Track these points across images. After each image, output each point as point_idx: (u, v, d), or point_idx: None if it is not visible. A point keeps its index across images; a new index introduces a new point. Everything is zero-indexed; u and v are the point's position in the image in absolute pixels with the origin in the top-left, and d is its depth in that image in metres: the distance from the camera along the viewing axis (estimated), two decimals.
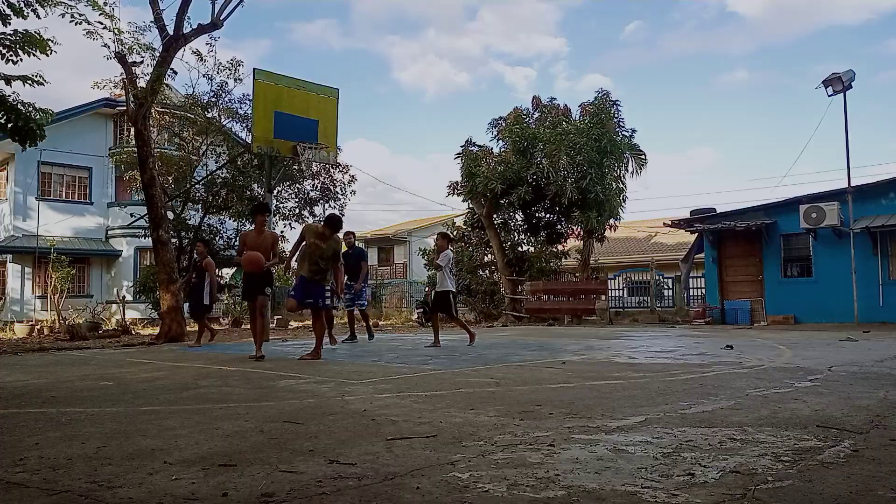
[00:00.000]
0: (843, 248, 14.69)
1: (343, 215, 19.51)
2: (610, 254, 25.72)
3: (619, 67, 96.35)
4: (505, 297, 19.30)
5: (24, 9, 6.61)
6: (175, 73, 14.42)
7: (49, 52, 6.71)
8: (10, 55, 6.36)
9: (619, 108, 19.11)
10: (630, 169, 19.29)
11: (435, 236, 10.03)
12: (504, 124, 19.53)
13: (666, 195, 62.91)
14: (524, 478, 2.30)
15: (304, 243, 7.45)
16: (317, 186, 19.66)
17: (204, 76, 16.08)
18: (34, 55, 6.58)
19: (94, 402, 4.33)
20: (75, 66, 60.14)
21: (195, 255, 10.91)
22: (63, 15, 9.03)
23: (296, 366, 6.68)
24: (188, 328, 12.23)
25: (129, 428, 3.39)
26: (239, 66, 16.39)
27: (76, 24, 9.52)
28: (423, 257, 22.24)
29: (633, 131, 19.38)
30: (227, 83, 16.75)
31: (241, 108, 17.30)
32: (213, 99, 17.02)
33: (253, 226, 8.18)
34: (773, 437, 2.91)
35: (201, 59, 14.40)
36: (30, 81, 6.46)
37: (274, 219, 17.94)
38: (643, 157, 19.30)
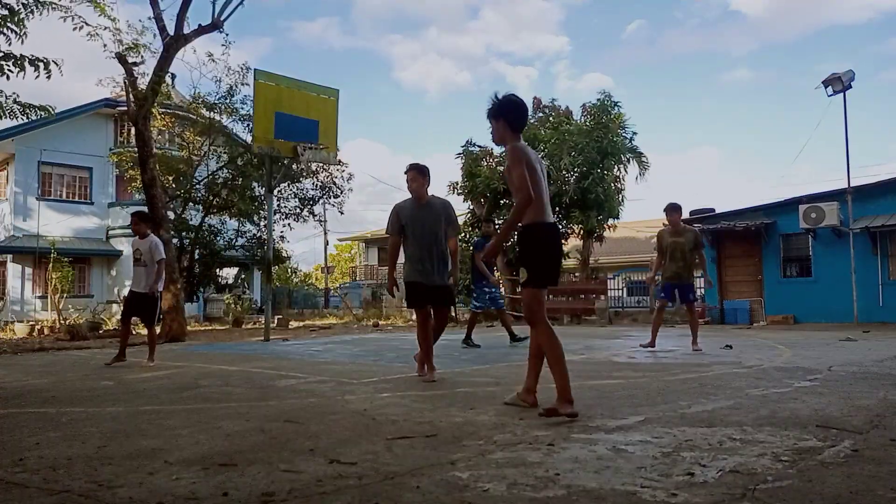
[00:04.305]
0: (843, 248, 14.68)
1: (342, 213, 19.59)
2: (610, 254, 25.71)
3: (621, 66, 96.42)
4: (505, 298, 19.30)
5: (21, 11, 6.61)
6: (174, 76, 14.49)
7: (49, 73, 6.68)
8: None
9: (621, 108, 19.13)
10: (630, 170, 19.32)
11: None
12: None
13: (666, 195, 62.82)
14: (524, 477, 2.30)
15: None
16: (316, 185, 19.73)
17: (213, 79, 16.28)
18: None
19: (95, 402, 4.33)
20: (75, 66, 60.07)
21: None
22: (65, 19, 9.06)
23: (296, 365, 6.68)
24: None
25: (130, 428, 3.39)
26: (248, 71, 16.47)
27: (77, 28, 9.57)
28: None
29: (634, 133, 19.40)
30: (237, 87, 16.84)
31: (242, 108, 17.38)
32: (221, 102, 17.08)
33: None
34: (772, 436, 2.91)
35: (213, 60, 14.43)
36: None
37: (274, 217, 17.98)
38: (645, 159, 19.30)
